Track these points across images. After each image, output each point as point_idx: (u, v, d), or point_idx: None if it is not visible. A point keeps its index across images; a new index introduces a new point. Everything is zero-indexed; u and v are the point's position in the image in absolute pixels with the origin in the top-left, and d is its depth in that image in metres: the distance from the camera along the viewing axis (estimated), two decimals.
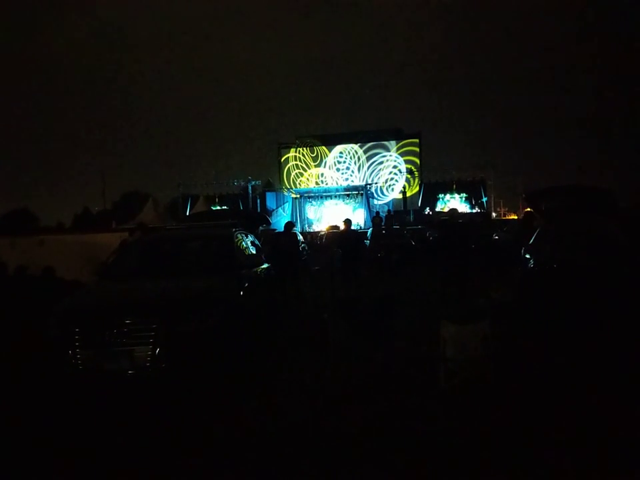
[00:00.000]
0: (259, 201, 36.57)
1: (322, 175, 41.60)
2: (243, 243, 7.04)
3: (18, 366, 5.40)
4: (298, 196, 35.49)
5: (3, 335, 5.90)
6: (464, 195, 34.98)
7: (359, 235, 11.51)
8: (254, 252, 7.36)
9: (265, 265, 7.55)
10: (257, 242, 7.99)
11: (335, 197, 34.53)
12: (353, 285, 8.99)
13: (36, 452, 3.76)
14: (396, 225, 22.31)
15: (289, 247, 9.62)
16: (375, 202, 36.40)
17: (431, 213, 33.46)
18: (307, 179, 41.66)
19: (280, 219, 30.61)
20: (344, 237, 10.05)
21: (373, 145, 41.11)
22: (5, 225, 38.81)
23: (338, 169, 41.29)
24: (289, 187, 39.35)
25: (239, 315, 5.37)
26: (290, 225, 10.68)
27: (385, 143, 41.01)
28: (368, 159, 41.06)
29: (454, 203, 34.27)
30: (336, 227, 25.53)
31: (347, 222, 10.20)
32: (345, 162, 41.22)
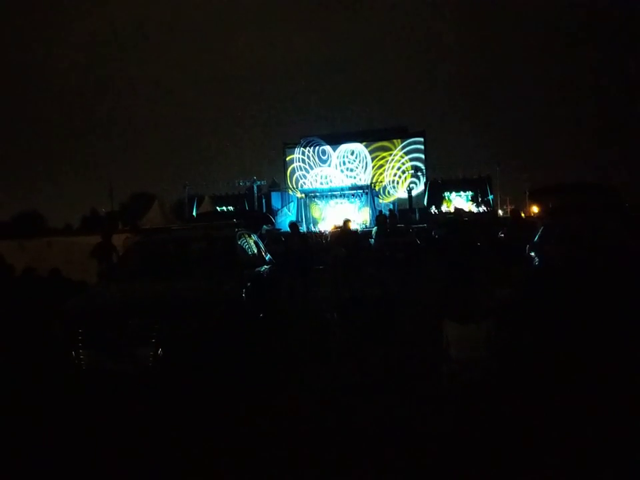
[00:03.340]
0: (264, 200, 36.59)
1: (327, 175, 41.59)
2: (246, 243, 7.06)
3: (24, 366, 5.46)
4: (303, 195, 35.56)
5: (9, 335, 5.97)
6: (470, 193, 34.83)
7: (358, 235, 11.50)
8: (257, 252, 7.38)
9: (268, 266, 7.56)
10: (260, 242, 8.01)
11: (340, 196, 34.56)
12: (356, 285, 8.98)
13: (38, 450, 3.79)
14: (400, 224, 22.26)
15: (300, 248, 9.63)
16: (380, 201, 36.36)
17: (436, 211, 33.36)
18: (313, 179, 41.65)
19: (285, 219, 30.66)
20: (343, 236, 10.02)
21: (377, 144, 41.08)
22: (14, 226, 39.17)
23: (348, 169, 41.28)
24: (292, 186, 39.40)
25: (242, 315, 5.39)
26: (295, 226, 10.64)
27: (390, 142, 40.96)
28: (373, 158, 41.05)
29: (460, 201, 34.15)
30: (340, 227, 25.45)
31: (347, 222, 10.21)
32: (353, 162, 41.22)
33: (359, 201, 33.97)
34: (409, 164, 40.07)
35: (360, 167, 41.31)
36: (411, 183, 37.98)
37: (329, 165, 41.78)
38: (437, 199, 34.98)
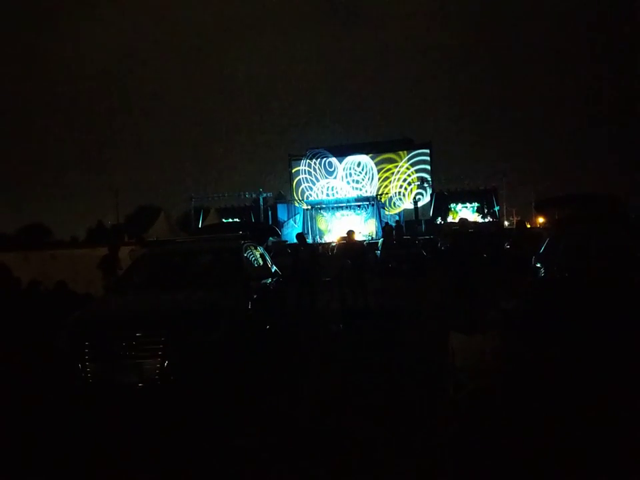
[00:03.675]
0: (270, 212, 36.72)
1: (333, 187, 41.69)
2: (252, 255, 7.07)
3: (30, 379, 5.47)
4: (309, 207, 35.64)
5: (15, 348, 5.99)
6: (476, 204, 34.79)
7: (364, 246, 11.38)
8: (263, 264, 7.38)
9: (274, 277, 7.55)
10: (266, 254, 8.02)
11: (346, 207, 34.62)
12: (361, 296, 8.94)
13: (43, 464, 3.79)
14: (406, 235, 22.26)
15: (308, 259, 9.58)
16: (386, 212, 36.38)
17: (442, 222, 33.31)
18: (320, 191, 41.76)
19: (291, 231, 30.76)
20: (348, 248, 9.89)
21: (384, 155, 41.21)
22: (20, 239, 39.49)
23: (354, 180, 41.40)
24: (299, 198, 39.53)
25: (247, 327, 5.38)
26: (302, 237, 10.55)
27: (396, 154, 41.08)
28: (379, 170, 41.17)
29: (465, 212, 34.09)
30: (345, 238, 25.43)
31: (350, 233, 10.09)
32: (359, 174, 41.35)
33: (365, 213, 34.01)
34: (415, 175, 40.13)
35: (366, 179, 41.40)
36: (417, 194, 38.00)
37: (335, 177, 41.90)
38: (443, 211, 34.95)
